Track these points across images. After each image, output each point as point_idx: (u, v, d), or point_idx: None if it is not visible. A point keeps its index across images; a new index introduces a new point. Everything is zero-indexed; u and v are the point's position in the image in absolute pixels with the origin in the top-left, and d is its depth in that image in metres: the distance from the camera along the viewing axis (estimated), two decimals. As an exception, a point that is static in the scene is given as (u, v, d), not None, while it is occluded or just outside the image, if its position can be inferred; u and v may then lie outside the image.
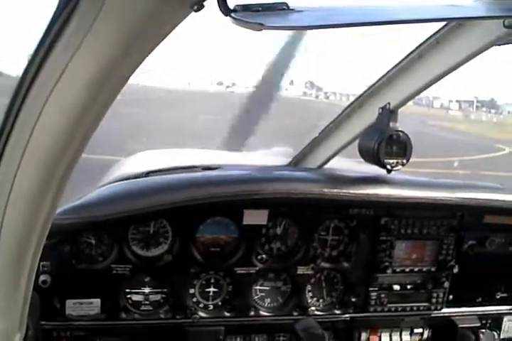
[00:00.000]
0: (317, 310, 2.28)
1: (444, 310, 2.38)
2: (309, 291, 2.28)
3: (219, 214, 2.11)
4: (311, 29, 0.80)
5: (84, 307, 2.01)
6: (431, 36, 1.74)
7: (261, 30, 0.80)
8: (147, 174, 2.29)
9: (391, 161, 2.05)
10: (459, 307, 2.40)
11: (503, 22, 1.45)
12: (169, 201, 1.98)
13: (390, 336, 2.34)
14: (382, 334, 2.33)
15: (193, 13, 0.88)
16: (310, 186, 2.10)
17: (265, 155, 3.05)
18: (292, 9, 0.84)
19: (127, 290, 2.09)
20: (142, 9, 0.84)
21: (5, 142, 1.09)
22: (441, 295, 2.35)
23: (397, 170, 2.08)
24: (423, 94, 1.99)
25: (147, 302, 2.12)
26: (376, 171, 2.16)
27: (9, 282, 1.29)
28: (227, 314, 2.18)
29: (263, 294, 2.24)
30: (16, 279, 1.29)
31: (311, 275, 2.25)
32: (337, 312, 2.29)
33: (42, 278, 1.90)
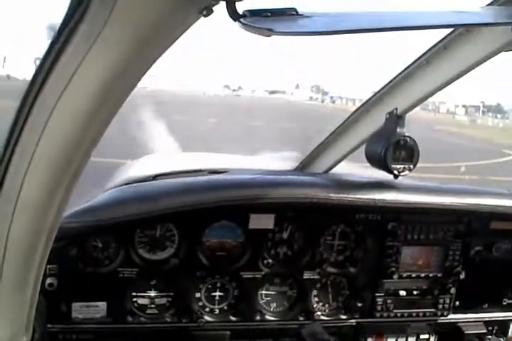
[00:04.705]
0: (323, 315, 2.27)
1: (451, 316, 2.36)
2: (315, 296, 2.27)
3: (225, 218, 2.11)
4: (321, 35, 0.80)
5: (91, 310, 2.02)
6: (439, 42, 1.74)
7: (270, 35, 0.80)
8: (154, 177, 2.30)
9: (398, 166, 2.05)
10: (466, 313, 2.38)
11: None
12: (176, 205, 1.98)
13: None
14: (388, 340, 2.32)
15: (202, 18, 0.88)
16: (316, 191, 2.09)
17: (272, 160, 3.04)
18: (301, 15, 0.84)
19: (133, 294, 2.09)
20: (151, 15, 0.85)
21: (14, 146, 1.09)
22: (447, 301, 2.33)
23: (404, 175, 2.08)
24: (429, 100, 1.98)
25: (153, 306, 2.12)
26: (383, 176, 2.15)
27: (16, 285, 1.29)
28: (232, 318, 2.18)
29: (269, 298, 2.24)
30: (23, 282, 1.29)
31: (317, 280, 2.24)
32: (343, 317, 2.28)
33: (48, 281, 1.90)
